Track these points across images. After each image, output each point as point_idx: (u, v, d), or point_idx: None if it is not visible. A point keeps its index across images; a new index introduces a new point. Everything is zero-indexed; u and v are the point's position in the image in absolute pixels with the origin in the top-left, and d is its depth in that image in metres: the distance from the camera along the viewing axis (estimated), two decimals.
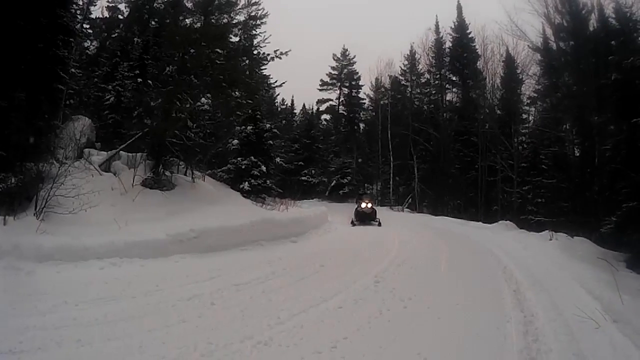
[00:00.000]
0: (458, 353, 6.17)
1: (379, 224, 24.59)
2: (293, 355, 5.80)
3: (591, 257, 13.53)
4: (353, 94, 57.60)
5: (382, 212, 28.43)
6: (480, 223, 26.42)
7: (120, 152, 17.80)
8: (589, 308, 7.74)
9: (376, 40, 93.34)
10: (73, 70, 20.25)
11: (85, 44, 31.76)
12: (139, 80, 23.22)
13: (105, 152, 17.88)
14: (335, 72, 58.31)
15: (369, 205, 25.81)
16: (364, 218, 25.28)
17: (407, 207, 39.67)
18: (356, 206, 26.40)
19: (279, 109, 56.63)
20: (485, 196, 38.32)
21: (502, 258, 13.70)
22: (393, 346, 6.31)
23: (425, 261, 12.90)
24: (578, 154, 31.48)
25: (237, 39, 29.24)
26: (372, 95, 53.52)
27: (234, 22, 24.89)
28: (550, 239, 17.06)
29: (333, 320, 7.29)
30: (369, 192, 41.77)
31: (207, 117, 19.23)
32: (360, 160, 50.34)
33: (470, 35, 45.76)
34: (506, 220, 24.94)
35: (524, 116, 40.39)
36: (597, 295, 8.95)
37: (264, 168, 24.92)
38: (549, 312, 7.88)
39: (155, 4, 34.16)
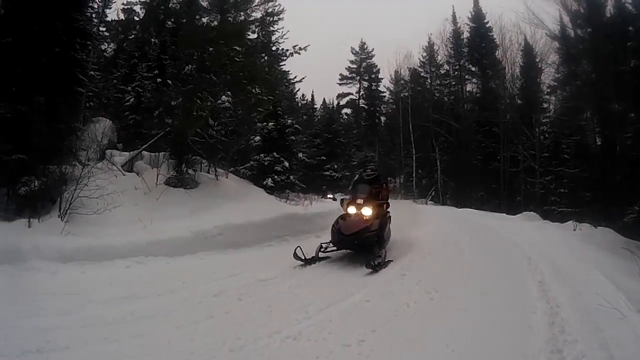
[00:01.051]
0: (485, 344, 6.13)
1: (377, 264, 10.24)
2: (322, 349, 5.76)
3: (615, 246, 13.49)
4: (373, 87, 57.54)
5: (405, 206, 27.93)
6: (504, 214, 26.37)
7: (143, 152, 17.82)
8: (613, 298, 7.66)
9: (393, 32, 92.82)
10: (92, 72, 20.23)
11: (103, 47, 31.93)
12: (158, 80, 23.26)
13: (127, 153, 17.90)
14: (354, 66, 58.30)
15: (367, 210, 11.28)
16: (346, 242, 11.07)
17: (430, 200, 39.46)
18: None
19: (300, 104, 56.61)
20: (507, 187, 38.11)
21: (527, 249, 13.50)
22: (421, 338, 6.28)
23: (450, 253, 12.74)
24: (599, 143, 31.22)
25: (255, 35, 29.28)
26: (392, 88, 53.49)
27: (250, 19, 24.91)
28: (574, 230, 17.16)
29: (360, 313, 7.24)
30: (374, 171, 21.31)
31: (228, 115, 19.14)
32: (382, 153, 50.11)
33: (487, 25, 45.59)
34: (529, 211, 24.74)
35: (545, 105, 40.02)
36: (621, 285, 8.95)
37: (286, 164, 24.82)
38: (574, 303, 7.81)
39: (170, 4, 34.32)
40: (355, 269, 10.42)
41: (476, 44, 45.78)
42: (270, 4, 31.64)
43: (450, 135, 43.23)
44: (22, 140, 12.10)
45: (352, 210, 11.38)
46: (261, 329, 6.31)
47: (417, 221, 17.58)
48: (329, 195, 24.39)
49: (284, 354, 5.67)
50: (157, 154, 17.58)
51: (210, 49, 18.24)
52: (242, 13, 22.52)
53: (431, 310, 7.48)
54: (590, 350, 5.85)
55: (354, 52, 58.63)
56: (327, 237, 13.46)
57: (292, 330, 6.28)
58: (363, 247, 10.78)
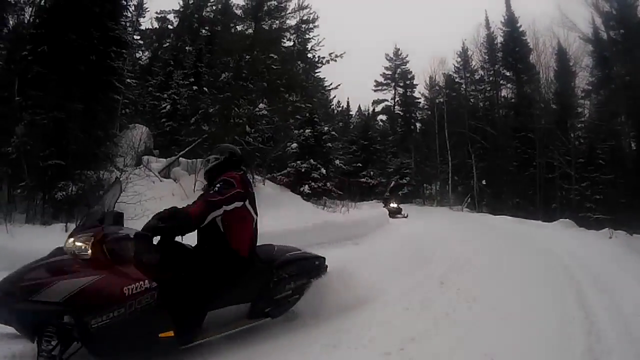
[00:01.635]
0: (523, 353, 5.85)
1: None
2: (362, 357, 5.55)
3: None
4: (408, 94, 57.07)
5: (441, 213, 27.65)
6: (540, 221, 25.85)
7: (180, 158, 17.79)
8: None
9: (428, 38, 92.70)
10: (128, 80, 20.47)
11: (138, 55, 32.34)
12: (194, 87, 23.36)
13: (164, 159, 17.96)
14: (389, 72, 57.98)
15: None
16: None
17: (466, 207, 39.08)
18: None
19: (335, 111, 56.69)
20: (543, 194, 37.58)
21: (563, 257, 13.30)
22: (460, 347, 6.02)
23: (487, 261, 12.47)
24: (634, 148, 30.71)
25: (291, 43, 29.43)
26: (427, 94, 52.97)
27: (285, 26, 24.95)
28: (610, 237, 16.86)
29: (400, 321, 7.01)
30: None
31: (265, 122, 19.12)
32: (418, 160, 49.87)
33: (521, 29, 44.96)
34: (565, 219, 24.38)
35: (579, 110, 39.44)
36: None
37: (323, 170, 24.65)
38: (611, 313, 7.54)
39: (204, 13, 34.62)
40: (395, 276, 10.26)
41: (510, 48, 45.24)
42: (304, 11, 31.81)
43: (485, 141, 42.77)
44: (59, 146, 12.22)
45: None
46: (298, 337, 6.10)
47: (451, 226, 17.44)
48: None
49: None
50: (194, 160, 17.57)
51: (247, 56, 18.22)
52: (276, 21, 22.58)
53: (470, 319, 7.23)
54: None
55: (388, 58, 58.37)
56: (365, 244, 13.29)
57: (332, 339, 6.10)
58: None
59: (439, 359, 5.64)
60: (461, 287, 9.15)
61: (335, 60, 21.95)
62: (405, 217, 22.74)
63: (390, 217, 21.93)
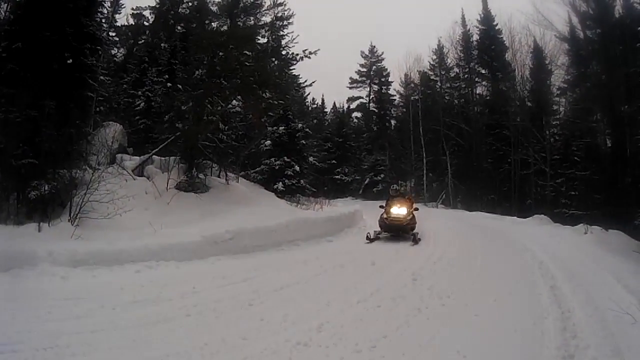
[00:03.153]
0: (497, 350, 6.11)
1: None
2: (333, 355, 5.76)
3: (626, 250, 13.74)
4: (383, 91, 57.17)
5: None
6: (515, 217, 26.09)
7: (153, 156, 17.83)
8: (625, 302, 7.78)
9: (403, 35, 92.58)
10: (102, 77, 20.36)
11: (113, 52, 32.09)
12: (169, 85, 23.25)
13: (138, 157, 17.93)
14: (364, 70, 58.04)
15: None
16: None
17: (441, 203, 39.31)
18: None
19: (310, 108, 56.42)
20: (518, 190, 37.80)
21: (538, 253, 13.49)
22: (432, 344, 6.27)
23: (461, 258, 12.71)
24: (609, 145, 31.09)
25: (265, 40, 29.45)
26: (402, 92, 52.94)
27: (260, 23, 25.07)
28: (585, 233, 17.17)
29: (372, 319, 7.20)
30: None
31: (238, 119, 19.17)
32: (393, 157, 49.95)
33: (497, 27, 45.00)
34: (540, 214, 24.63)
35: (555, 107, 39.67)
36: (633, 290, 8.98)
37: (297, 168, 24.68)
38: (586, 308, 7.83)
39: (180, 9, 34.49)
40: (367, 274, 10.40)
41: (486, 46, 45.30)
42: (279, 8, 31.82)
43: (461, 138, 42.96)
44: (32, 144, 12.21)
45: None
46: (273, 335, 6.32)
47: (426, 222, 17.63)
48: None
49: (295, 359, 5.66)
50: (167, 158, 17.62)
51: (221, 53, 18.25)
52: (251, 17, 22.75)
53: (443, 316, 7.44)
54: (603, 356, 5.87)
55: (363, 55, 58.43)
56: (340, 241, 13.45)
57: (304, 337, 6.23)
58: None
59: (410, 356, 5.83)
60: (434, 283, 9.41)
61: (309, 57, 22.09)
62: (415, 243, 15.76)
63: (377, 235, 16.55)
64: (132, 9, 36.29)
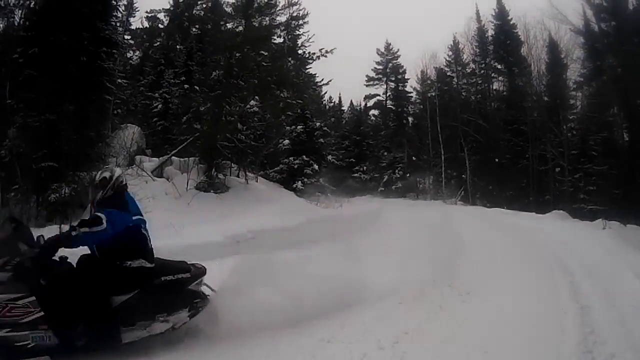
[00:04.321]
0: (517, 346, 5.98)
1: None
2: (356, 352, 5.61)
3: None
4: (400, 88, 56.76)
5: (435, 206, 27.59)
6: (533, 213, 25.89)
7: (172, 157, 17.81)
8: None
9: (418, 31, 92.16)
10: (119, 80, 20.46)
11: (128, 55, 32.18)
12: (186, 86, 23.31)
13: (157, 158, 17.98)
14: (381, 67, 57.67)
15: None
16: None
17: (459, 200, 39.09)
18: None
19: (327, 107, 56.19)
20: (536, 186, 37.60)
21: (557, 249, 13.39)
22: (454, 341, 6.12)
23: (481, 254, 12.53)
24: (627, 139, 30.80)
25: (281, 40, 29.39)
26: (418, 89, 52.75)
27: (275, 23, 24.92)
28: (604, 228, 17.09)
29: (393, 316, 7.08)
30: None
31: (256, 119, 19.15)
32: (411, 154, 49.76)
33: (512, 22, 44.82)
34: (559, 210, 24.47)
35: (572, 102, 39.42)
36: None
37: (316, 166, 24.66)
38: (604, 303, 7.69)
39: (194, 11, 34.56)
40: (389, 272, 10.33)
41: (501, 41, 45.00)
42: (294, 7, 31.77)
43: (478, 134, 42.67)
44: (52, 148, 12.27)
45: None
46: (295, 332, 6.21)
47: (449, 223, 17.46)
48: None
49: (319, 356, 5.56)
50: (186, 159, 17.62)
51: (237, 54, 18.23)
52: (266, 17, 22.52)
53: (463, 313, 7.31)
54: (620, 352, 5.71)
55: (379, 53, 57.98)
56: (360, 239, 13.35)
57: (327, 334, 6.14)
58: None
59: (432, 352, 5.73)
60: (454, 280, 9.23)
61: (326, 56, 21.99)
62: None
63: None
64: (147, 12, 36.59)
